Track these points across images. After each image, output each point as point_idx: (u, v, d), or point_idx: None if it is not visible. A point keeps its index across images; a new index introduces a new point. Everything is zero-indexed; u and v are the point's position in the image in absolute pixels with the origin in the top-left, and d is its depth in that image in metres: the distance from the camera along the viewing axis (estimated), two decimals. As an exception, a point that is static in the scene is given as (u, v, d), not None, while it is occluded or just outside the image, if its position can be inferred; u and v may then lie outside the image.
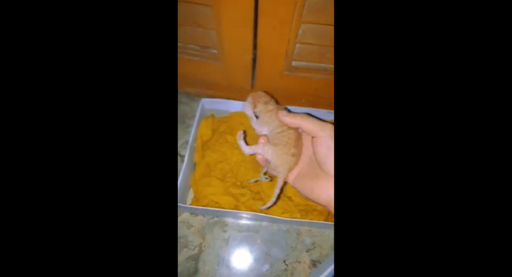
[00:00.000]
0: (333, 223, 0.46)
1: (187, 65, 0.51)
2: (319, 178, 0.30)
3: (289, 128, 0.33)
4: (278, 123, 0.34)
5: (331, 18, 0.38)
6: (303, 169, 0.33)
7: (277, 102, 0.38)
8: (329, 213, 0.49)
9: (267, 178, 0.38)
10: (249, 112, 0.37)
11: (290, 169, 0.33)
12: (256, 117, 0.36)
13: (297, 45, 0.43)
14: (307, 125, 0.30)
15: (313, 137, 0.31)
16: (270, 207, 0.38)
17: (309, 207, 0.48)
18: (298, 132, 0.34)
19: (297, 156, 0.33)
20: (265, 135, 0.35)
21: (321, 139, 0.29)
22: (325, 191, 0.29)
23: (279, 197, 0.39)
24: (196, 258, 0.48)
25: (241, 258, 0.48)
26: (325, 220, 0.48)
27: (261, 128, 0.35)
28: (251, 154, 0.36)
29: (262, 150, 0.34)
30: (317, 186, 0.30)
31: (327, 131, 0.29)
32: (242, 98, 0.57)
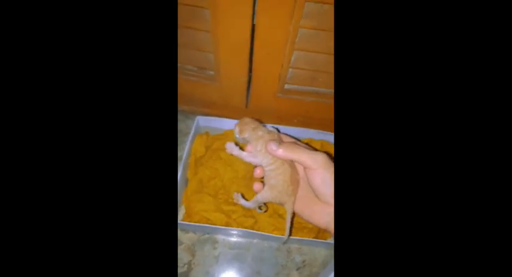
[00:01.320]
0: (323, 241, 0.47)
1: (184, 84, 0.53)
2: (316, 205, 0.30)
3: (283, 162, 0.32)
4: (271, 156, 0.32)
5: (321, 47, 0.42)
6: (298, 192, 0.33)
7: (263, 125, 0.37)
8: (319, 230, 0.49)
9: (261, 210, 0.38)
10: (236, 152, 0.35)
11: (294, 202, 0.33)
12: (239, 145, 0.35)
13: (290, 69, 0.46)
14: (299, 158, 0.30)
15: (305, 167, 0.30)
16: (288, 237, 0.38)
17: (299, 225, 0.49)
18: (291, 164, 0.33)
19: (296, 189, 0.33)
20: (260, 166, 0.34)
21: (315, 171, 0.29)
22: (323, 217, 0.30)
23: (291, 228, 0.39)
24: (185, 276, 0.47)
25: (231, 276, 0.48)
26: (315, 237, 0.48)
27: (255, 159, 0.34)
28: (251, 207, 0.35)
29: (262, 199, 0.34)
30: (315, 213, 0.30)
31: (320, 163, 0.29)
32: (237, 116, 0.59)
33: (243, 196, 0.38)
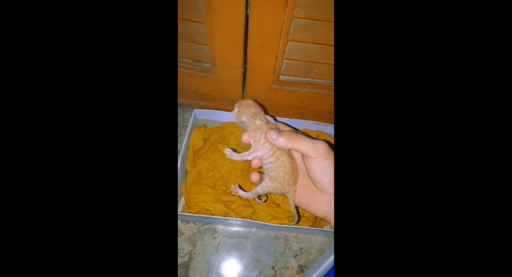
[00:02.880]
0: (319, 228, 0.48)
1: (181, 77, 0.53)
2: (314, 194, 0.30)
3: (282, 152, 0.31)
4: (270, 147, 0.31)
5: (315, 37, 0.42)
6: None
7: (266, 112, 0.36)
8: (315, 219, 0.51)
9: (261, 200, 0.37)
10: (237, 157, 0.34)
11: (295, 190, 0.33)
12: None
13: (284, 61, 0.46)
14: (300, 146, 0.29)
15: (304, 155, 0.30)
16: (297, 222, 0.38)
17: (296, 214, 0.50)
18: (289, 153, 0.32)
19: (296, 178, 0.32)
20: (258, 157, 0.33)
21: (315, 160, 0.29)
22: (320, 206, 0.30)
23: (298, 214, 0.39)
24: (186, 266, 0.48)
25: (231, 264, 0.49)
26: (312, 226, 0.50)
27: (257, 153, 0.32)
28: (254, 196, 0.35)
29: (262, 191, 0.33)
30: (312, 202, 0.30)
31: (320, 151, 0.29)
32: (233, 109, 0.60)
33: (241, 188, 0.38)
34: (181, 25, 0.44)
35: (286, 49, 0.44)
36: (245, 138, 0.33)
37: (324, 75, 0.48)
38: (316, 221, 0.51)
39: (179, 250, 0.49)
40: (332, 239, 0.51)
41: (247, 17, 0.41)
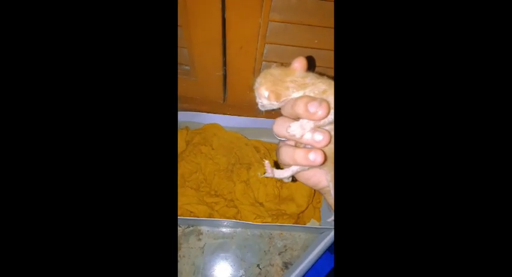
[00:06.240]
0: (302, 225, 0.49)
1: (160, 80, 0.53)
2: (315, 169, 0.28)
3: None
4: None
5: (291, 40, 0.43)
6: None
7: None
8: (298, 216, 0.52)
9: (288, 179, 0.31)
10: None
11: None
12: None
13: (263, 62, 0.47)
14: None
15: None
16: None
17: (279, 212, 0.51)
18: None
19: None
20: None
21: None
22: (322, 176, 0.28)
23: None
24: (172, 268, 0.49)
25: (217, 265, 0.50)
26: (295, 223, 0.51)
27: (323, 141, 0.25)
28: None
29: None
30: (313, 174, 0.29)
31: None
32: (215, 111, 0.60)
33: (277, 167, 0.31)
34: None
35: (264, 51, 0.45)
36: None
37: (302, 76, 0.49)
38: (299, 219, 0.52)
39: (164, 254, 0.49)
40: (314, 235, 0.53)
41: (224, 20, 0.41)
